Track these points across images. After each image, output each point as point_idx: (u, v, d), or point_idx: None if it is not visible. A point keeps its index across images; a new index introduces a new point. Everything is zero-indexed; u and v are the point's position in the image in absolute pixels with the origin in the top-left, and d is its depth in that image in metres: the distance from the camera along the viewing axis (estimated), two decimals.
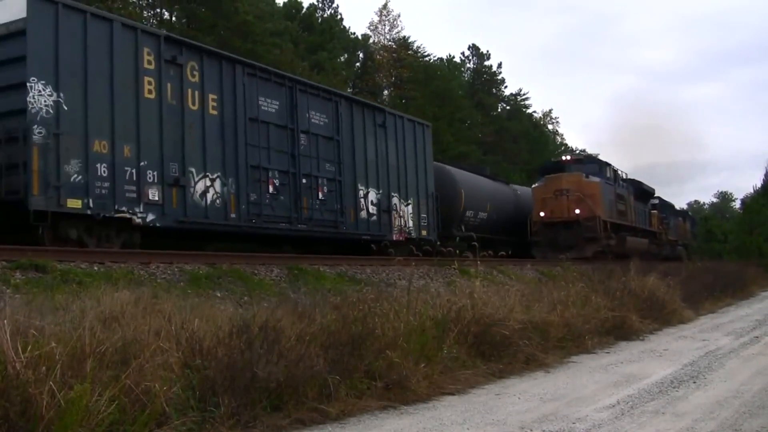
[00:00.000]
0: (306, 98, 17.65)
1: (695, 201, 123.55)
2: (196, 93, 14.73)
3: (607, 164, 30.95)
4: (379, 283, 13.28)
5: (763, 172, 71.08)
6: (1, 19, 12.25)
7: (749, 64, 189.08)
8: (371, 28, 62.16)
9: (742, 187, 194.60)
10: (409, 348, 7.63)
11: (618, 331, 12.41)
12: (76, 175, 12.19)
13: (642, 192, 36.95)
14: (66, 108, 12.22)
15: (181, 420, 5.29)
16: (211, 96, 15.06)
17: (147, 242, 13.60)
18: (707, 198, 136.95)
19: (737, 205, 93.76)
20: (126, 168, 13.03)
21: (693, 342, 12.14)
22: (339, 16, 56.45)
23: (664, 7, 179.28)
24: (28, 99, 11.72)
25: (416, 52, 61.64)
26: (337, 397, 6.47)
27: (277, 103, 16.82)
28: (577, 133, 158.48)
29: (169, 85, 14.12)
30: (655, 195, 42.34)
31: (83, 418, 4.75)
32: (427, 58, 62.30)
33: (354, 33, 58.94)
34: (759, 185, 65.45)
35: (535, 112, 78.50)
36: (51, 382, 4.75)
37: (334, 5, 56.52)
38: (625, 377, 8.58)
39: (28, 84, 11.77)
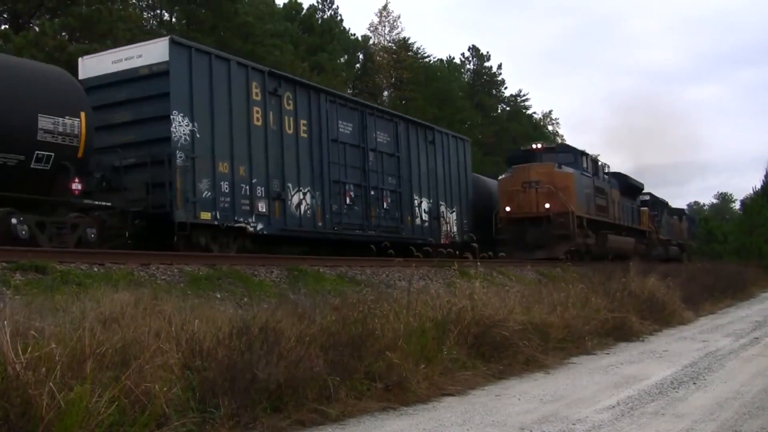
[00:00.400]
0: (373, 120, 21.00)
1: (695, 202, 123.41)
2: (291, 119, 17.75)
3: (585, 154, 28.12)
4: (379, 285, 13.28)
5: (763, 173, 71.09)
6: (146, 61, 15.01)
7: (749, 65, 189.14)
8: (371, 29, 62.19)
9: (742, 188, 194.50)
10: (409, 349, 7.64)
11: (618, 332, 12.42)
12: (206, 192, 14.95)
13: (629, 187, 34.81)
14: (198, 136, 14.99)
15: (181, 421, 5.29)
16: (302, 121, 18.04)
17: (255, 247, 16.20)
18: (707, 199, 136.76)
19: (737, 206, 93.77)
20: (242, 185, 15.82)
21: (693, 343, 12.14)
22: (339, 17, 56.48)
23: (664, 8, 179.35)
24: (171, 129, 14.39)
25: (416, 53, 61.67)
26: (337, 398, 6.47)
27: (351, 125, 20.01)
28: (578, 134, 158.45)
29: (271, 113, 16.99)
30: (646, 191, 40.50)
31: (83, 420, 4.75)
32: (427, 59, 62.36)
33: (354, 34, 59.00)
34: (759, 186, 65.34)
35: (535, 113, 78.54)
36: (51, 384, 4.75)
37: (334, 6, 56.54)
38: (625, 378, 8.58)
39: (171, 116, 14.46)
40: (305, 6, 52.61)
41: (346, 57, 55.85)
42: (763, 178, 64.79)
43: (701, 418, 6.42)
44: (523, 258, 21.03)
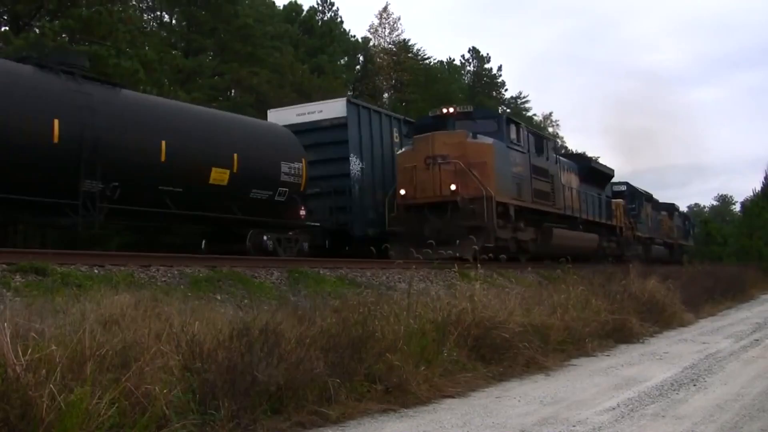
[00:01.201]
0: None
1: (695, 204, 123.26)
2: None
3: (515, 122, 22.16)
4: (379, 286, 13.28)
5: (763, 175, 71.02)
6: (327, 116, 20.68)
7: (750, 67, 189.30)
8: (371, 31, 62.26)
9: (742, 190, 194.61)
10: (409, 351, 7.64)
11: (618, 334, 12.41)
12: (371, 213, 20.70)
13: (593, 173, 28.86)
14: (365, 171, 20.83)
15: (181, 423, 5.29)
16: None
17: None
18: (707, 201, 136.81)
19: (737, 208, 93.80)
20: None
21: (693, 345, 12.14)
22: (339, 19, 56.55)
23: (664, 10, 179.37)
24: (350, 167, 20.32)
25: (416, 55, 61.79)
26: (337, 400, 6.47)
27: None
28: (578, 135, 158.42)
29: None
30: (623, 181, 36.83)
31: (83, 422, 4.75)
32: (427, 61, 62.50)
33: (354, 36, 59.09)
34: (759, 189, 65.32)
35: (535, 115, 78.66)
36: (51, 385, 4.75)
37: (334, 8, 56.62)
38: (625, 380, 8.58)
39: (349, 158, 20.35)
40: (305, 8, 52.72)
41: (346, 59, 55.91)
42: (763, 180, 64.83)
43: (701, 420, 6.42)
44: (418, 259, 13.68)
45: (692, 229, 58.47)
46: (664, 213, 45.11)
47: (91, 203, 12.88)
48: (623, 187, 36.27)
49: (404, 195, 19.24)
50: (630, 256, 30.21)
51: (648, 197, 40.46)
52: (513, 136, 21.10)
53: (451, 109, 20.65)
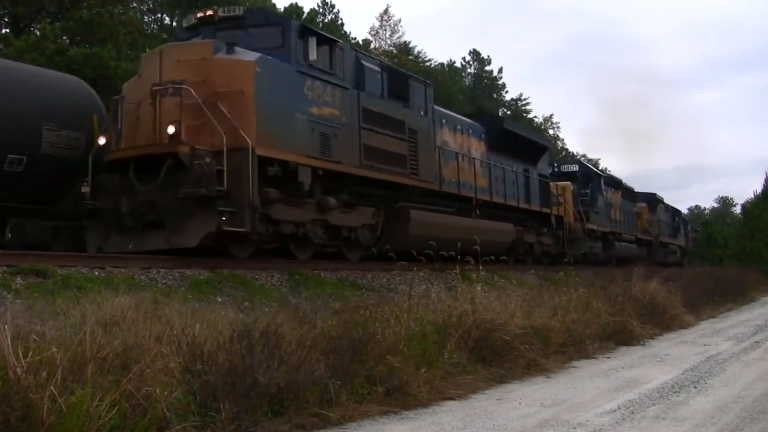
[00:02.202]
0: None
1: (696, 206, 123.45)
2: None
3: (322, 36, 14.31)
4: (380, 288, 13.28)
5: (764, 177, 70.79)
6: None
7: (751, 69, 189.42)
8: (372, 33, 62.46)
9: (743, 192, 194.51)
10: (409, 353, 7.63)
11: (619, 336, 12.41)
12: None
13: (507, 139, 21.78)
14: None
15: (182, 425, 5.29)
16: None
17: None
18: (708, 203, 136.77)
19: (738, 210, 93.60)
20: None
21: (694, 347, 12.14)
22: (340, 21, 56.62)
23: (665, 13, 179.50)
24: None
25: (417, 57, 61.84)
26: (337, 402, 6.47)
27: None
28: (578, 137, 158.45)
29: None
30: (574, 161, 33.62)
31: (84, 424, 4.75)
32: (427, 63, 62.51)
33: (355, 38, 59.06)
34: (759, 190, 65.19)
35: (535, 117, 78.71)
36: (52, 387, 4.76)
37: (335, 10, 56.68)
38: (626, 382, 8.58)
39: None
40: (306, 10, 52.72)
41: None
42: (763, 182, 64.59)
43: (702, 422, 6.42)
44: (114, 252, 11.36)
45: (685, 227, 54.59)
46: (642, 204, 39.50)
47: None
48: (574, 167, 31.07)
49: (103, 146, 12.41)
50: (575, 254, 24.53)
51: (613, 182, 34.90)
52: (313, 56, 13.29)
53: (210, 12, 13.84)
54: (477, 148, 20.40)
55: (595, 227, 29.36)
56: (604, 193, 32.02)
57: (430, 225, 16.13)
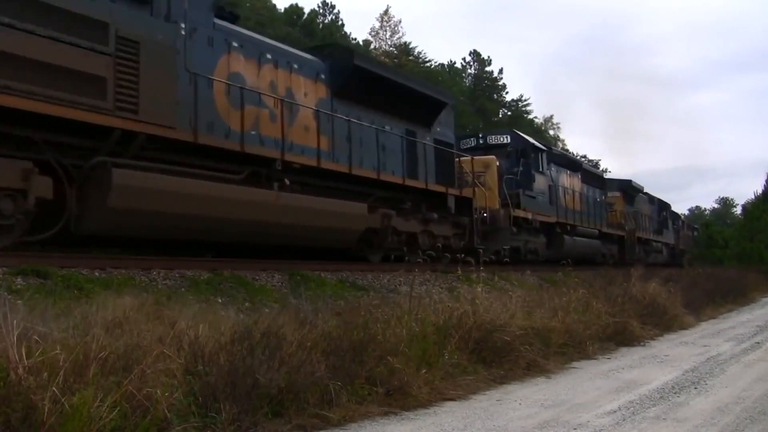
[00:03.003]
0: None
1: (696, 207, 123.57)
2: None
3: None
4: (380, 289, 13.29)
5: (764, 178, 70.78)
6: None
7: (752, 70, 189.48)
8: (372, 33, 62.61)
9: (744, 193, 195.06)
10: (410, 354, 7.64)
11: (619, 337, 12.41)
12: None
13: (364, 81, 15.82)
14: None
15: (183, 426, 5.30)
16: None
17: None
18: (708, 204, 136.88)
19: (738, 211, 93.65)
20: None
21: (694, 348, 12.14)
22: (340, 22, 56.69)
23: (665, 14, 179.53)
24: None
25: (417, 57, 61.92)
26: (338, 403, 6.48)
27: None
28: (579, 138, 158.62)
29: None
30: (507, 129, 27.63)
31: (85, 424, 4.76)
32: (428, 64, 62.62)
33: (355, 39, 59.21)
34: (760, 191, 65.20)
35: (536, 117, 78.75)
36: (53, 388, 4.77)
37: (335, 11, 56.72)
38: (627, 383, 8.58)
39: None
40: (306, 10, 52.78)
41: None
42: (764, 182, 64.64)
43: (702, 423, 6.42)
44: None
45: (676, 223, 49.94)
46: (614, 194, 34.52)
47: None
48: (504, 138, 24.42)
49: None
50: (498, 249, 19.98)
51: (567, 162, 28.87)
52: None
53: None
54: (309, 92, 14.63)
55: (530, 216, 22.78)
56: (549, 174, 25.52)
57: (158, 197, 10.95)
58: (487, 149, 23.88)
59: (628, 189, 37.73)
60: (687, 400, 7.55)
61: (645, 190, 41.68)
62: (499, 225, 21.02)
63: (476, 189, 19.84)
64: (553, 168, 26.84)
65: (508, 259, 18.16)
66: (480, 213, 19.99)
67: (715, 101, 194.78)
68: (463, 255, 12.73)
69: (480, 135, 25.65)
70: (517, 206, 22.40)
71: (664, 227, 45.16)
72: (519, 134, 25.47)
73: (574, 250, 25.89)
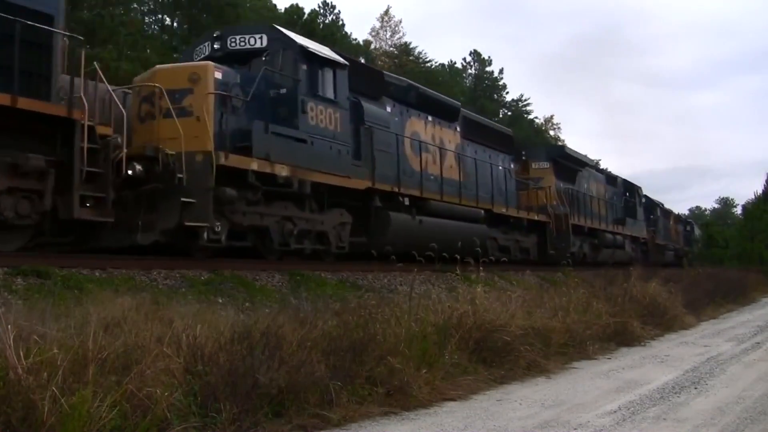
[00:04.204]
0: None
1: (697, 207, 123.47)
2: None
3: None
4: (380, 289, 13.29)
5: (765, 178, 70.81)
6: None
7: (752, 71, 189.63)
8: (372, 33, 62.56)
9: (744, 193, 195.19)
10: (410, 354, 7.63)
11: (619, 337, 12.40)
12: None
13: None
14: None
15: (183, 426, 5.30)
16: None
17: None
18: (709, 204, 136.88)
19: (738, 211, 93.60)
20: None
21: (694, 348, 12.13)
22: (340, 22, 56.62)
23: (667, 15, 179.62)
24: None
25: (418, 57, 61.93)
26: (338, 403, 6.47)
27: None
28: (579, 138, 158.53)
29: None
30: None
31: (85, 424, 4.76)
32: (428, 64, 62.62)
33: (356, 39, 59.16)
34: (760, 191, 65.21)
35: (536, 117, 78.72)
36: (53, 388, 4.76)
37: (336, 11, 56.70)
38: (627, 383, 8.57)
39: None
40: (307, 11, 52.75)
41: None
42: (764, 183, 64.68)
43: (703, 423, 6.42)
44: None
45: (652, 213, 41.58)
46: (541, 164, 26.77)
47: None
48: (259, 40, 14.67)
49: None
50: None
51: (423, 100, 19.04)
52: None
53: None
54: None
55: (283, 171, 13.58)
56: (361, 108, 16.32)
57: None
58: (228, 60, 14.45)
59: (563, 159, 28.06)
60: (687, 400, 7.54)
61: (602, 168, 35.25)
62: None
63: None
64: (388, 105, 17.49)
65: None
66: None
67: (715, 101, 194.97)
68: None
69: (217, 34, 15.22)
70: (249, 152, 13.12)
71: (632, 216, 35.85)
72: (284, 33, 15.17)
73: (418, 235, 16.19)
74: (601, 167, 37.60)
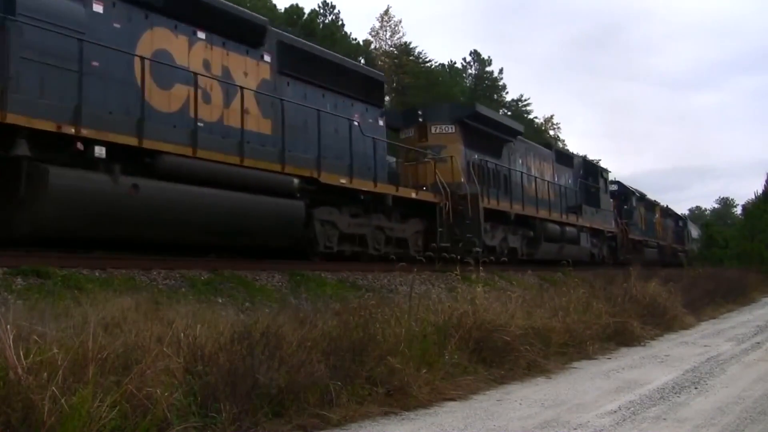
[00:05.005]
0: None
1: (697, 207, 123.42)
2: None
3: None
4: (380, 290, 13.29)
5: (765, 178, 70.77)
6: None
7: (752, 71, 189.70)
8: (372, 33, 62.55)
9: (744, 193, 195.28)
10: (410, 354, 7.63)
11: (619, 337, 12.40)
12: None
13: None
14: None
15: (183, 426, 5.29)
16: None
17: None
18: (709, 204, 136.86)
19: (738, 211, 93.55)
20: None
21: (694, 348, 12.13)
22: (340, 22, 56.62)
23: (667, 15, 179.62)
24: None
25: (417, 57, 61.87)
26: (338, 403, 6.47)
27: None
28: (579, 138, 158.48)
29: None
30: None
31: (85, 424, 4.75)
32: (428, 64, 62.55)
33: (355, 39, 59.15)
34: (760, 191, 65.15)
35: (536, 117, 78.65)
36: (53, 388, 4.76)
37: (336, 11, 56.69)
38: (627, 383, 8.57)
39: None
40: (306, 11, 52.76)
41: None
42: (764, 182, 64.60)
43: (703, 423, 6.42)
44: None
45: (626, 202, 35.84)
46: (445, 128, 20.14)
47: None
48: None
49: None
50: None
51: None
52: None
53: None
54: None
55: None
56: (87, 16, 11.11)
57: None
58: None
59: (475, 122, 20.97)
60: (687, 400, 7.54)
61: (562, 147, 28.03)
62: None
63: None
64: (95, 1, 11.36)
65: None
66: None
67: (715, 101, 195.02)
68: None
69: None
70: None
71: (592, 204, 29.51)
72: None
73: (128, 214, 10.90)
74: (555, 144, 30.36)
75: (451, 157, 19.46)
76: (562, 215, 26.09)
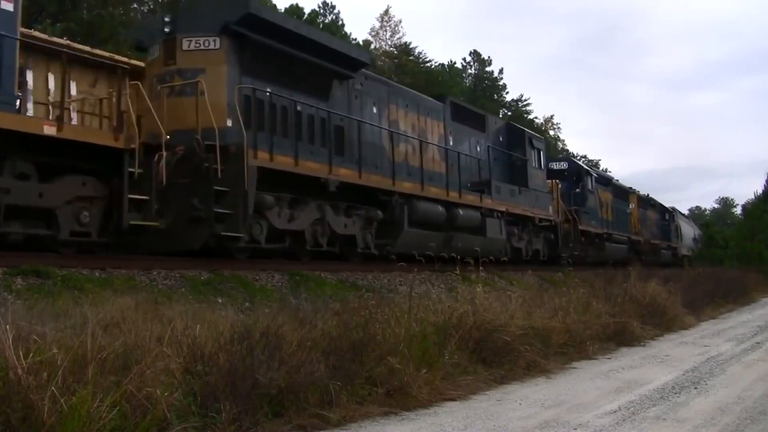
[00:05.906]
0: None
1: (696, 207, 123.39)
2: None
3: None
4: (380, 290, 13.28)
5: (765, 178, 70.78)
6: None
7: (752, 71, 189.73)
8: (372, 33, 62.53)
9: (744, 193, 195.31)
10: (410, 354, 7.63)
11: (619, 337, 12.40)
12: None
13: None
14: None
15: (182, 426, 5.29)
16: None
17: None
18: (708, 204, 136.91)
19: (738, 211, 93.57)
20: None
21: (694, 348, 12.13)
22: (340, 22, 56.64)
23: (666, 15, 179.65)
24: None
25: (417, 57, 61.87)
26: (338, 403, 6.47)
27: None
28: (579, 138, 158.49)
29: None
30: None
31: (85, 424, 4.75)
32: (428, 64, 62.54)
33: (355, 39, 59.08)
34: (760, 191, 65.15)
35: (536, 117, 78.62)
36: (53, 388, 4.76)
37: (336, 11, 56.71)
38: (627, 383, 8.57)
39: None
40: (307, 11, 52.77)
41: None
42: (764, 182, 64.65)
43: (702, 423, 6.42)
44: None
45: (584, 184, 29.19)
46: (207, 39, 12.82)
47: None
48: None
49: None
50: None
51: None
52: None
53: None
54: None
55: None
56: None
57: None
58: None
59: (260, 33, 13.45)
60: (687, 400, 7.54)
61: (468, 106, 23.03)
62: None
63: None
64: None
65: None
66: None
67: (715, 101, 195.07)
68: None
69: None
70: None
71: (515, 181, 22.89)
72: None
73: None
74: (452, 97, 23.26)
75: (198, 82, 12.46)
76: (449, 192, 18.70)
